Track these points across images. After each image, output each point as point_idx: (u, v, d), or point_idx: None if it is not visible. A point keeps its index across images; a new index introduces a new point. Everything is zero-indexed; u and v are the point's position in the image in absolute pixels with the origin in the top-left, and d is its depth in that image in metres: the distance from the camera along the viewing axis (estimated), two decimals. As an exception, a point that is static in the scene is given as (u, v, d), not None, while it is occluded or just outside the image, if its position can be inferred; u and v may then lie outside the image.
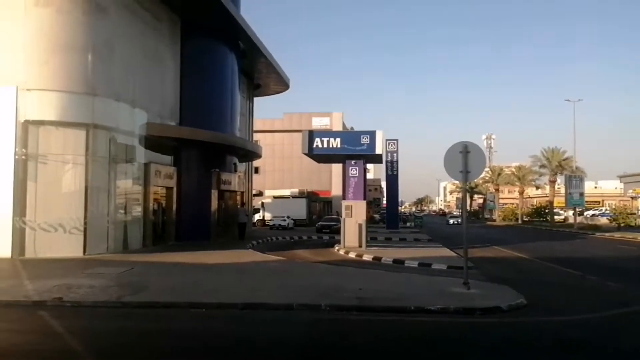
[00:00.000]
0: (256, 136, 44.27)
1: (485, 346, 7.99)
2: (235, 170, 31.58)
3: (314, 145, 24.22)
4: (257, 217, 46.25)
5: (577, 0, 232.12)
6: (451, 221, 64.64)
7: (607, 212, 61.89)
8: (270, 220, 44.77)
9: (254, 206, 38.74)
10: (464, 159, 12.03)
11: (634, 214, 53.04)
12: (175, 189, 24.60)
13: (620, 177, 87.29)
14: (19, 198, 17.25)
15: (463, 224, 12.96)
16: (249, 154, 32.14)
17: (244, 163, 35.25)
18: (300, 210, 49.79)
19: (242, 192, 35.09)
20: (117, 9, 19.81)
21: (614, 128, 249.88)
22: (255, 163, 41.54)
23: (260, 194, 51.49)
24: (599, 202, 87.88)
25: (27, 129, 17.44)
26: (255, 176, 43.89)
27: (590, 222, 52.06)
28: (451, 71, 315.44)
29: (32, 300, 10.41)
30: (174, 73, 24.77)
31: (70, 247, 17.73)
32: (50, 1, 17.89)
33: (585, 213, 62.29)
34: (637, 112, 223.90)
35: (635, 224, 46.89)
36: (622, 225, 44.85)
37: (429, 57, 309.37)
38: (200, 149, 25.69)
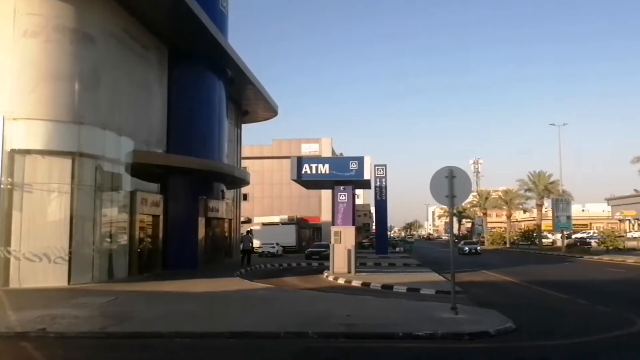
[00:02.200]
0: (245, 163, 44.24)
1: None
2: (223, 197, 31.51)
3: (303, 172, 24.34)
4: (244, 244, 45.95)
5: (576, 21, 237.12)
6: (466, 248, 49.31)
7: (595, 235, 62.24)
8: (259, 247, 44.38)
9: (242, 233, 38.57)
10: (449, 184, 12.12)
11: (622, 236, 53.41)
12: (161, 216, 24.44)
13: (608, 200, 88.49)
14: (4, 227, 16.99)
15: (450, 249, 12.97)
16: (237, 180, 32.09)
17: (232, 190, 35.16)
18: (289, 236, 49.59)
19: (230, 219, 34.96)
20: (104, 38, 19.88)
21: (601, 151, 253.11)
22: (244, 190, 41.46)
23: (248, 220, 51.23)
24: (587, 225, 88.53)
25: (13, 158, 17.26)
26: (244, 203, 43.82)
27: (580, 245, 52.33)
28: (438, 97, 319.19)
29: (14, 331, 10.21)
30: (161, 100, 24.83)
31: (54, 276, 17.47)
32: (38, 31, 17.87)
33: (573, 236, 62.63)
34: (623, 135, 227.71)
35: (624, 246, 47.12)
36: (610, 248, 45.09)
37: (416, 83, 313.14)
38: (188, 176, 25.57)
